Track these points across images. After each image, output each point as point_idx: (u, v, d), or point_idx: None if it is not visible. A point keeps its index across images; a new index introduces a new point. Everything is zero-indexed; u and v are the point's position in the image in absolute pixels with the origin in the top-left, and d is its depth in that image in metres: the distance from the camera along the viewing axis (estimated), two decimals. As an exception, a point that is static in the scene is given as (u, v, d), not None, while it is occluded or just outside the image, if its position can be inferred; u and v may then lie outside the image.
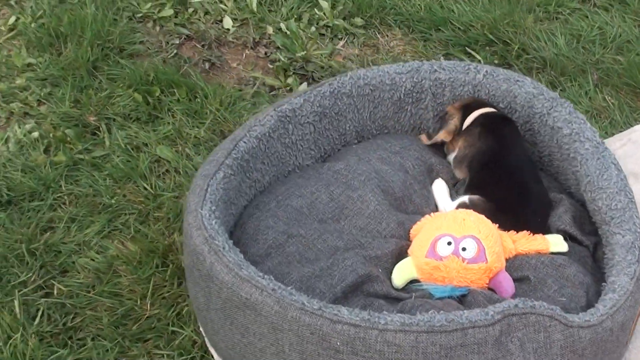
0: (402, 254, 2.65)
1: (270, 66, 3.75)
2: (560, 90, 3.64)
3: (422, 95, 3.07)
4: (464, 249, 2.52)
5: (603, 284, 2.47)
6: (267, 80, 3.63)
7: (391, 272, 2.59)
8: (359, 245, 2.61)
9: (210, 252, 2.28)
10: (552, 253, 2.66)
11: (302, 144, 2.89)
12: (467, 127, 2.97)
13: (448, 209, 2.77)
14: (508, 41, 3.94)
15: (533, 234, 2.69)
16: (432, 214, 2.76)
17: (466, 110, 3.00)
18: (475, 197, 2.79)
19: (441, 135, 2.97)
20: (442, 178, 2.96)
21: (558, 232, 2.75)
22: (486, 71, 3.05)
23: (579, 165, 2.76)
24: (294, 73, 3.70)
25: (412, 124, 3.12)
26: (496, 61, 3.86)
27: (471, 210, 2.65)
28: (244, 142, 2.69)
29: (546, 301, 2.39)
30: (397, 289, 2.56)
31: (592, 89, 3.63)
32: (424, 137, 3.04)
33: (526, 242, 2.67)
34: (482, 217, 2.64)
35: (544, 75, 3.76)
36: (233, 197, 2.63)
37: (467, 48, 3.95)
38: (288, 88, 3.62)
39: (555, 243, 2.66)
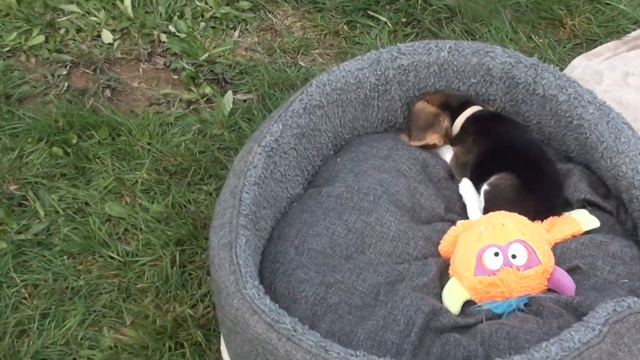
0: (443, 274, 2.45)
1: (175, 77, 3.38)
2: (479, 37, 3.47)
3: (388, 86, 2.83)
4: (514, 257, 2.37)
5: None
6: (182, 95, 3.24)
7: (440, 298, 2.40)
8: (399, 277, 2.41)
9: (281, 339, 2.01)
10: (585, 232, 2.54)
11: (289, 173, 2.61)
12: (458, 134, 2.82)
13: (478, 215, 2.57)
14: (408, -5, 3.70)
15: (559, 216, 2.57)
16: (458, 223, 2.58)
17: (452, 112, 2.84)
18: (493, 179, 2.63)
19: (433, 139, 2.76)
20: (438, 171, 2.76)
21: (578, 202, 2.66)
22: (450, 47, 2.85)
23: (588, 131, 2.65)
24: (204, 80, 3.32)
25: (380, 118, 2.89)
26: (403, 19, 3.65)
27: (505, 212, 2.48)
28: (247, 193, 2.37)
29: (610, 287, 2.32)
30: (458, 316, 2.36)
31: (509, 29, 3.48)
32: (404, 137, 2.83)
33: (560, 228, 2.54)
34: (520, 216, 2.49)
35: (457, 25, 3.61)
36: (256, 259, 2.30)
37: (368, 11, 3.68)
38: (205, 98, 3.24)
39: (586, 221, 2.56)
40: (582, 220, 2.55)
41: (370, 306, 2.33)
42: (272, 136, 2.55)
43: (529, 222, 2.49)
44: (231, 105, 3.22)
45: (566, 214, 2.57)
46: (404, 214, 2.59)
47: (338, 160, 2.75)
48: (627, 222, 2.64)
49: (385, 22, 3.66)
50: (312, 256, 2.43)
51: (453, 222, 2.62)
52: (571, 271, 2.44)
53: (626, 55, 3.45)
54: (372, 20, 3.70)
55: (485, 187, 2.62)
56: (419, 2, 3.72)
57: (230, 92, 3.28)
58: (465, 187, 2.66)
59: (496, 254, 2.38)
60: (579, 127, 2.68)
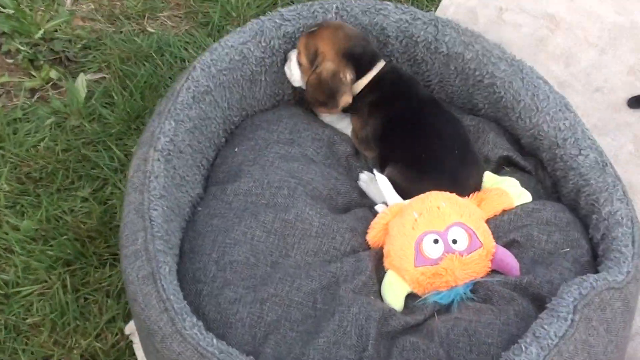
0: (378, 268, 2.27)
1: (10, 61, 2.93)
2: None
3: (274, 58, 2.57)
4: (454, 242, 2.21)
5: (595, 216, 2.32)
6: (24, 83, 2.80)
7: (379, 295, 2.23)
8: (334, 279, 2.21)
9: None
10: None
11: (188, 174, 2.31)
12: (355, 100, 2.53)
13: (398, 199, 2.37)
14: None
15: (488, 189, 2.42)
16: (381, 208, 2.40)
17: (357, 65, 2.52)
18: (386, 170, 2.44)
19: (344, 101, 2.48)
20: (344, 149, 2.55)
21: (500, 159, 2.54)
22: (336, 7, 2.60)
23: (502, 90, 2.51)
24: (44, 61, 2.89)
25: (269, 94, 2.63)
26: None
27: (437, 192, 2.30)
28: (155, 210, 2.09)
29: (552, 259, 2.25)
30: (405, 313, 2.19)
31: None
32: (322, 110, 2.55)
33: (490, 204, 2.39)
34: (452, 195, 2.31)
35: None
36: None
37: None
38: (51, 83, 2.83)
39: (517, 194, 2.42)
40: (514, 193, 2.40)
41: (311, 317, 2.13)
42: (167, 136, 2.24)
43: (463, 200, 2.32)
44: (85, 90, 2.80)
45: (495, 188, 2.41)
46: (322, 205, 2.36)
47: (236, 150, 2.47)
48: (545, 180, 2.54)
49: None
50: (237, 269, 2.18)
51: (370, 207, 2.43)
52: (508, 246, 2.31)
53: (495, -12, 3.29)
54: None
55: (380, 175, 2.42)
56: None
57: (82, 75, 2.86)
58: (384, 182, 2.40)
59: (435, 241, 2.21)
60: (490, 85, 2.52)
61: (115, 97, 2.84)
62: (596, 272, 2.20)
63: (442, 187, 2.33)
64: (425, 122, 2.45)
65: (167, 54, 3.00)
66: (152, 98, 2.80)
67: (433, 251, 2.20)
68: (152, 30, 3.13)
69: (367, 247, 2.32)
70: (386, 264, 2.27)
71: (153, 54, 3.00)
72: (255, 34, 2.55)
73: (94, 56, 3.00)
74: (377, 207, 2.40)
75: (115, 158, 2.69)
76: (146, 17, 3.18)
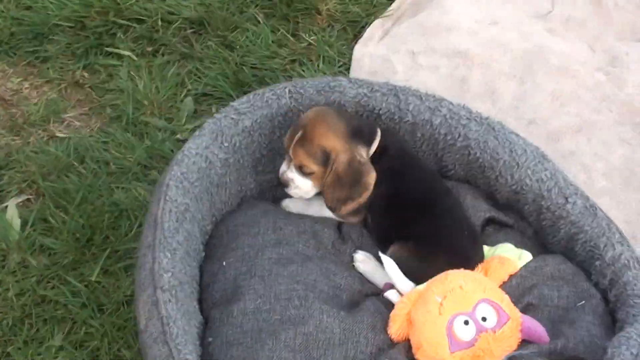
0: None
1: None
2: (239, 47, 3.14)
3: (236, 156, 2.54)
4: (484, 319, 2.17)
5: (597, 262, 2.37)
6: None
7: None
8: None
9: None
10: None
11: (189, 306, 2.23)
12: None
13: (410, 284, 2.31)
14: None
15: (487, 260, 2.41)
16: (394, 294, 2.33)
17: (363, 139, 2.42)
18: (390, 250, 2.36)
19: (372, 179, 2.39)
20: (329, 235, 2.46)
21: (483, 222, 2.52)
22: (289, 91, 2.57)
23: (478, 151, 2.52)
24: None
25: (234, 194, 2.59)
26: (149, 48, 3.18)
27: (452, 272, 2.26)
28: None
29: (571, 315, 2.28)
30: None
31: (267, 31, 3.16)
32: (348, 207, 2.42)
33: (496, 273, 2.37)
34: (468, 272, 2.28)
35: (210, 39, 3.21)
36: None
37: (104, 48, 3.21)
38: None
39: (517, 256, 2.42)
40: (514, 256, 2.40)
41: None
42: (168, 272, 2.13)
43: (479, 275, 2.30)
44: (18, 219, 2.57)
45: (495, 257, 2.39)
46: (334, 306, 2.24)
47: (224, 264, 2.32)
48: (526, 231, 2.56)
49: (129, 56, 3.09)
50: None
51: (375, 295, 2.35)
52: (525, 310, 2.29)
53: (398, 32, 3.26)
54: (113, 57, 3.11)
55: (385, 257, 2.34)
56: (158, 23, 3.18)
57: (12, 203, 2.60)
58: (390, 265, 2.32)
59: (466, 322, 2.16)
60: (464, 148, 2.52)
61: (53, 221, 2.60)
62: (615, 319, 2.25)
63: (455, 266, 2.28)
64: (436, 198, 2.41)
65: (88, 159, 2.78)
66: (94, 215, 2.60)
67: (465, 333, 2.15)
68: (63, 135, 2.89)
69: (392, 343, 2.24)
70: (418, 356, 2.19)
71: (74, 162, 2.76)
72: (215, 135, 2.42)
73: (10, 177, 2.73)
74: (387, 295, 2.32)
75: (77, 292, 2.46)
76: (51, 121, 2.93)
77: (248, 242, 2.35)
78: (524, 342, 2.21)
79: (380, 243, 2.41)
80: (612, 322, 2.28)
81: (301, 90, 2.52)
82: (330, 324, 2.16)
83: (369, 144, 2.38)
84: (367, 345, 2.18)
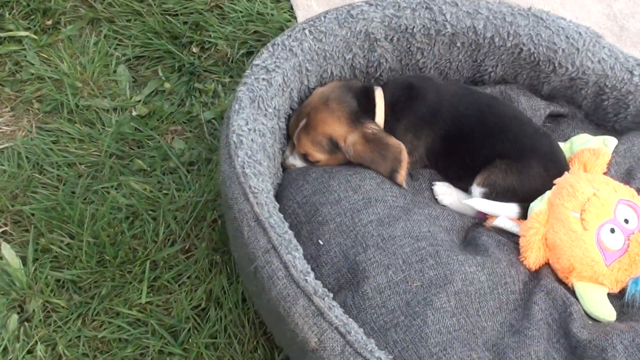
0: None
1: None
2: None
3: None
4: (626, 222, 2.04)
5: None
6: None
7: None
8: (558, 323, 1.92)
9: None
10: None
11: None
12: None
13: (515, 211, 2.13)
14: None
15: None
16: (506, 221, 2.14)
17: (365, 111, 2.22)
18: (484, 177, 2.17)
19: (397, 143, 2.16)
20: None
21: (545, 119, 2.41)
22: (309, 31, 2.25)
23: (532, 45, 2.38)
24: None
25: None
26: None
27: (573, 177, 2.10)
28: None
29: None
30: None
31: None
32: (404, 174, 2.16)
33: (596, 165, 2.27)
34: (583, 174, 2.14)
35: None
36: None
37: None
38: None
39: (602, 142, 2.31)
40: (599, 144, 2.27)
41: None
42: (308, 274, 1.82)
43: (596, 175, 2.16)
44: (18, 262, 2.14)
45: (583, 149, 2.27)
46: (465, 252, 2.04)
47: (321, 243, 2.01)
48: (576, 115, 2.47)
49: (27, 36, 2.66)
50: None
51: (479, 226, 2.15)
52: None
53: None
54: (10, 42, 2.71)
55: (478, 189, 2.16)
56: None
57: (4, 244, 2.13)
58: (473, 204, 2.15)
59: (612, 230, 2.02)
60: (515, 47, 2.36)
61: (58, 249, 2.21)
62: None
63: (550, 170, 2.14)
64: (498, 112, 2.22)
65: (47, 166, 2.40)
66: (102, 229, 2.26)
67: (615, 242, 2.01)
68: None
69: (531, 273, 2.06)
70: (572, 278, 2.04)
71: (34, 174, 2.35)
72: (256, 103, 2.13)
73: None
74: (499, 224, 2.12)
75: (134, 322, 2.12)
76: (-22, 138, 2.42)
77: (335, 211, 2.03)
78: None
79: (462, 180, 2.20)
80: None
81: (322, 28, 2.22)
82: (475, 273, 1.95)
83: (370, 111, 2.19)
84: (515, 283, 2.00)
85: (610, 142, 2.27)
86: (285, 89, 2.14)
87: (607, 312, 1.98)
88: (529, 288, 2.01)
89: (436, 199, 2.20)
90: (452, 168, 2.20)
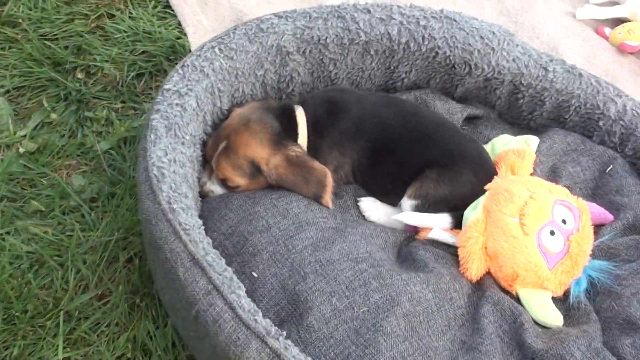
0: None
1: None
2: (24, 21, 2.61)
3: None
4: (564, 222, 2.05)
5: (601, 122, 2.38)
6: None
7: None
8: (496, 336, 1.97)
9: None
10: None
11: None
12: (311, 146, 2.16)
13: (448, 221, 2.13)
14: None
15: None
16: (440, 233, 2.11)
17: (288, 132, 2.18)
18: (415, 189, 2.14)
19: (319, 165, 2.14)
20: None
21: (462, 124, 2.42)
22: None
23: (447, 47, 2.37)
24: None
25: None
26: None
27: (511, 180, 2.10)
28: None
29: (607, 185, 2.34)
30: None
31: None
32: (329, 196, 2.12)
33: (524, 167, 2.26)
34: (520, 178, 2.14)
35: None
36: None
37: None
38: None
39: (525, 142, 2.33)
40: (522, 144, 2.29)
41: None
42: (256, 314, 1.74)
43: (529, 177, 2.18)
44: None
45: (506, 151, 2.27)
46: (407, 271, 2.00)
47: (255, 275, 1.93)
48: (490, 116, 2.49)
49: None
50: None
51: (412, 238, 2.14)
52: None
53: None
54: None
55: (410, 201, 2.13)
56: None
57: None
58: (402, 218, 2.11)
59: (552, 233, 2.02)
60: (430, 51, 2.37)
61: None
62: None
63: (479, 176, 2.14)
64: (422, 119, 2.20)
65: None
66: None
67: (556, 244, 2.01)
68: None
69: (474, 284, 2.04)
70: (516, 286, 2.03)
71: None
72: (172, 131, 2.03)
73: None
74: (433, 236, 2.10)
75: None
76: None
77: (266, 240, 1.96)
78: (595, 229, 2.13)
79: (390, 195, 2.17)
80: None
81: (232, 45, 2.16)
82: (421, 292, 1.91)
83: (295, 135, 2.13)
84: (460, 298, 1.97)
85: (533, 141, 2.28)
86: (199, 113, 2.06)
87: (554, 317, 1.97)
88: (473, 301, 1.98)
89: (363, 216, 2.14)
90: (380, 182, 2.16)
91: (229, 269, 1.73)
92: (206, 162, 2.12)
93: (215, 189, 2.12)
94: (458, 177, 2.11)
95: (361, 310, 1.86)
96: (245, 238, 1.96)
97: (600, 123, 2.32)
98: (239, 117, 2.10)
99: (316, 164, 2.07)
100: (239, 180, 2.09)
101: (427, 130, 2.15)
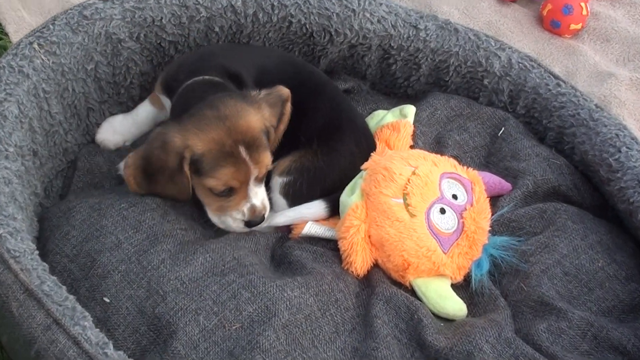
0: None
1: None
2: None
3: None
4: (455, 197, 2.07)
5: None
6: None
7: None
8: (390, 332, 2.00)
9: None
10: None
11: None
12: None
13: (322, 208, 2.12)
14: None
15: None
16: (313, 226, 2.10)
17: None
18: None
19: None
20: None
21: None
22: None
23: (302, 16, 2.38)
24: None
25: None
26: None
27: (382, 161, 2.10)
28: None
29: (501, 152, 2.40)
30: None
31: None
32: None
33: (400, 140, 2.29)
34: (399, 153, 2.15)
35: None
36: None
37: None
38: None
39: (400, 113, 2.37)
40: (396, 116, 2.32)
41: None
42: (106, 347, 1.70)
43: (410, 151, 2.19)
44: None
45: (381, 127, 2.31)
46: (283, 277, 1.99)
47: (108, 301, 1.90)
48: (362, 88, 2.53)
49: None
50: None
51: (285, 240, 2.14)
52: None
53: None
54: None
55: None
56: None
57: None
58: (276, 217, 2.12)
59: (442, 211, 2.03)
60: (282, 20, 2.38)
61: None
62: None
63: (361, 146, 2.17)
64: (303, 70, 2.25)
65: None
66: None
67: (448, 223, 2.04)
68: None
69: (360, 280, 2.05)
70: (409, 276, 2.02)
71: None
72: None
73: None
74: (310, 231, 2.08)
75: None
76: None
77: (117, 258, 1.92)
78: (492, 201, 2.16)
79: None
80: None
81: (52, 38, 2.12)
82: (300, 297, 1.91)
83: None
84: (347, 298, 1.97)
85: (409, 110, 2.30)
86: (23, 120, 2.01)
87: (456, 307, 1.99)
88: (363, 300, 1.99)
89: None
90: None
91: (71, 297, 1.68)
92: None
93: (260, 191, 2.04)
94: (339, 147, 2.12)
95: (234, 327, 1.84)
96: (93, 258, 1.92)
97: (485, 82, 2.36)
98: (218, 120, 1.97)
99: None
100: (269, 157, 2.02)
101: (319, 84, 2.18)
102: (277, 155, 2.08)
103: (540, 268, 2.04)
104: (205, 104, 1.96)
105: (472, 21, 2.93)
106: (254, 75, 2.11)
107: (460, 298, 2.02)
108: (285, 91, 2.04)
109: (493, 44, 2.37)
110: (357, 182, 2.07)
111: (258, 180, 2.00)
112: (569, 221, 2.13)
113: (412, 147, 2.25)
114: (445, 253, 2.00)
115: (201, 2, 2.22)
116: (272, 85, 2.06)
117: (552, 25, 2.97)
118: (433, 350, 1.86)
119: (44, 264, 1.76)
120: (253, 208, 2.01)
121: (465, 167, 2.12)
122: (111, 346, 1.63)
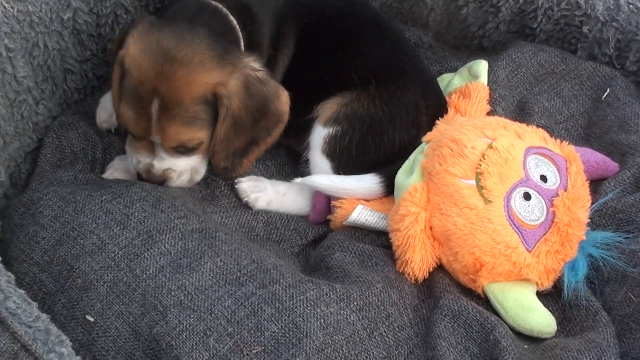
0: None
1: None
2: None
3: None
4: (543, 179, 1.99)
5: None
6: None
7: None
8: None
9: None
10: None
11: None
12: None
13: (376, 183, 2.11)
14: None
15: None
16: (363, 212, 2.10)
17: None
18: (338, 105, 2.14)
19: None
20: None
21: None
22: None
23: None
24: None
25: None
26: None
27: (454, 131, 2.05)
28: None
29: (605, 121, 2.37)
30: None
31: None
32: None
33: (474, 105, 2.26)
34: (474, 121, 2.10)
35: None
36: None
37: None
38: None
39: (470, 73, 2.37)
40: (465, 77, 2.32)
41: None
42: None
43: (487, 118, 2.15)
44: None
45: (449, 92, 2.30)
46: (319, 279, 1.99)
47: (92, 320, 1.90)
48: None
49: None
50: None
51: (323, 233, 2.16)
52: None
53: None
54: None
55: (325, 130, 2.12)
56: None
57: None
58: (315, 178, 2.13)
59: (527, 196, 1.97)
60: None
61: None
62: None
63: (430, 100, 2.18)
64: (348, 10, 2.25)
65: None
66: None
67: (534, 212, 1.98)
68: None
69: (420, 289, 2.02)
70: (482, 280, 1.99)
71: None
72: None
73: None
74: (357, 219, 2.07)
75: None
76: None
77: (101, 264, 1.94)
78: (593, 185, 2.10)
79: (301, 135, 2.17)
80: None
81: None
82: (339, 313, 1.89)
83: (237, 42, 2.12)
84: (402, 313, 1.96)
85: (479, 68, 2.27)
86: None
87: (543, 322, 1.95)
88: (422, 315, 1.95)
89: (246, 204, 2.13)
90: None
91: (43, 316, 1.68)
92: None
93: (172, 163, 2.08)
94: (401, 95, 2.10)
95: (254, 351, 1.81)
96: (70, 265, 1.93)
97: (585, 29, 2.32)
98: (151, 55, 1.98)
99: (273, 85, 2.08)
100: (201, 134, 2.05)
101: (378, 21, 2.20)
102: (319, 95, 2.10)
103: (655, 273, 1.93)
104: (176, 27, 1.99)
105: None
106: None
107: (549, 310, 1.97)
108: (283, 93, 2.06)
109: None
110: (417, 158, 2.03)
111: (167, 149, 2.03)
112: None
113: (488, 114, 2.19)
114: (529, 251, 1.97)
115: None
116: (309, 16, 2.12)
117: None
118: (514, 381, 1.77)
119: (9, 274, 1.74)
120: (149, 167, 2.04)
121: (558, 141, 2.05)
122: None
